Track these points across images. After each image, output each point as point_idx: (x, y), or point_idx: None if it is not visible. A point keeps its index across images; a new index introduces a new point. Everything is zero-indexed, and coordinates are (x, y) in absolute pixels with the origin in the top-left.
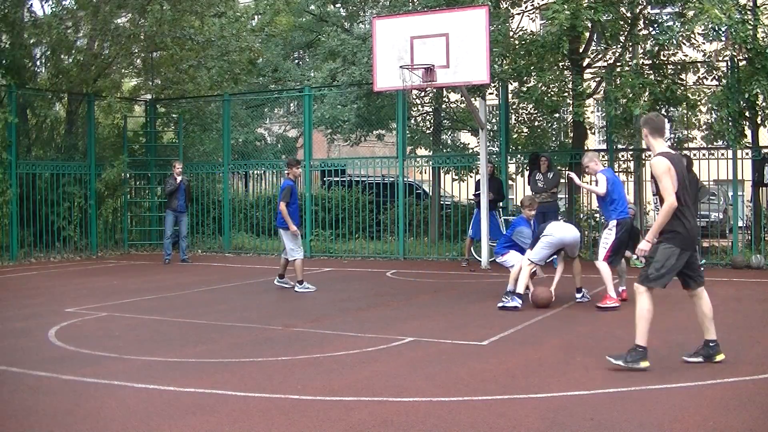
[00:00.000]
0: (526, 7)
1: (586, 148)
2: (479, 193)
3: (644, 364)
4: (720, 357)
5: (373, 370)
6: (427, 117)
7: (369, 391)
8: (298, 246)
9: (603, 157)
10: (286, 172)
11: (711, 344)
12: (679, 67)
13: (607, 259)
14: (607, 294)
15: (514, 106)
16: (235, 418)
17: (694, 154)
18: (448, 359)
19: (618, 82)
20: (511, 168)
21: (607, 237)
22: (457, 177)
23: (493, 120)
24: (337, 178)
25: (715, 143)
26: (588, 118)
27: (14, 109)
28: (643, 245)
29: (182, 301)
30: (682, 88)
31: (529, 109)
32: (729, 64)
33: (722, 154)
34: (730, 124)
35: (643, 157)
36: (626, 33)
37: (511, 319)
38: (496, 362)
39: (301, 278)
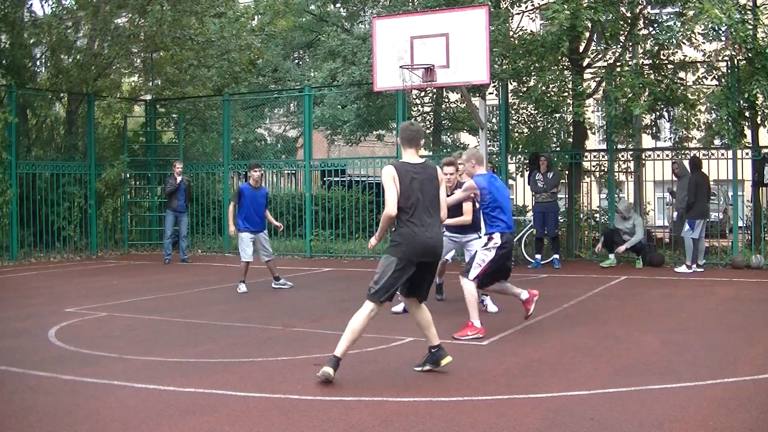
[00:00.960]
0: (526, 7)
1: (586, 147)
2: None
3: (328, 370)
4: (446, 360)
5: (373, 370)
6: (427, 117)
7: (369, 391)
8: (243, 249)
9: (603, 157)
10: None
11: (434, 350)
12: (678, 67)
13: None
14: (469, 322)
15: (514, 106)
16: (235, 418)
17: (694, 154)
18: None
19: (618, 82)
20: (511, 168)
21: (485, 255)
22: None
23: (493, 120)
24: (337, 178)
25: (714, 143)
26: (588, 118)
27: (14, 109)
28: (372, 241)
29: (182, 301)
30: (681, 87)
31: (529, 109)
32: (729, 64)
33: (722, 154)
34: (730, 124)
35: (643, 157)
36: (626, 33)
37: (511, 319)
38: (496, 362)
39: (242, 279)
